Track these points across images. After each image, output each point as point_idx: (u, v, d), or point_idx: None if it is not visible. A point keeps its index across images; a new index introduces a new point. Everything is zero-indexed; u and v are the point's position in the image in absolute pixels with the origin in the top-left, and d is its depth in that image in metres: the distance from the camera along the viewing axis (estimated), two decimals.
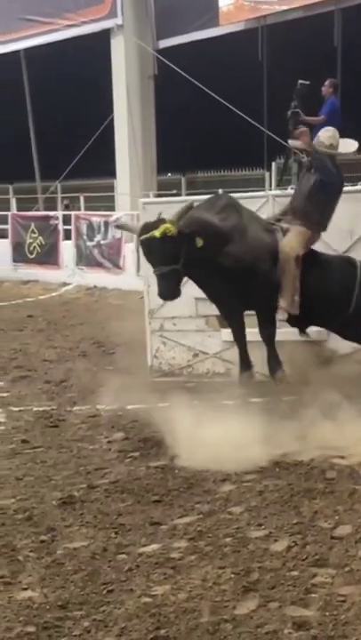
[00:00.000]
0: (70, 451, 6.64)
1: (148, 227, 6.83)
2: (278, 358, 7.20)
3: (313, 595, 4.10)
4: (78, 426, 7.36)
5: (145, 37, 19.64)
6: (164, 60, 18.94)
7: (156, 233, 6.68)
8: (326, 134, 7.25)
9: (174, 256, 6.76)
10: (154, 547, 4.75)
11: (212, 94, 17.65)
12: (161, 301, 7.89)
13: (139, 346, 9.29)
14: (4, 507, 5.47)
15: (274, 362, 7.18)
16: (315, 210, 7.19)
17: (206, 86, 17.80)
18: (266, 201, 8.52)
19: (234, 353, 7.65)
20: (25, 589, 4.26)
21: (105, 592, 4.20)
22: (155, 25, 19.66)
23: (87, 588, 4.25)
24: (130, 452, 6.55)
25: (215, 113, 18.10)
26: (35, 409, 7.88)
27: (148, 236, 6.75)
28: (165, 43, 19.53)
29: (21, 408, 7.97)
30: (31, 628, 3.85)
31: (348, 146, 7.38)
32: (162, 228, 6.69)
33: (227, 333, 8.06)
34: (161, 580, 4.33)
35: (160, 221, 6.81)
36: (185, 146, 20.19)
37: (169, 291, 6.91)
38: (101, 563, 4.55)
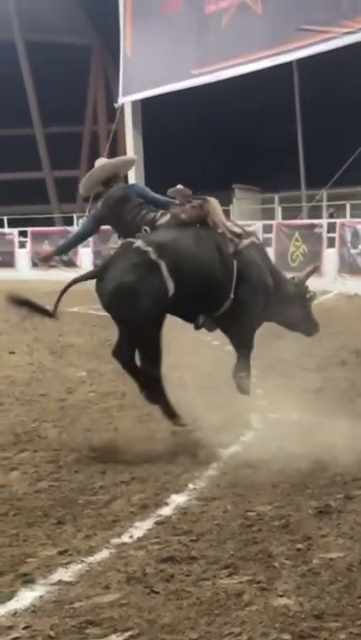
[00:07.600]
0: (326, 460, 6.50)
1: None
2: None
3: None
4: None
5: None
6: None
7: None
8: None
9: None
10: None
11: None
12: None
13: None
14: (261, 513, 5.49)
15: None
16: None
17: None
18: None
19: None
20: (281, 596, 4.23)
21: None
22: None
23: (343, 599, 4.17)
24: None
25: None
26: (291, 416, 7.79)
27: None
28: None
29: (277, 415, 7.94)
30: (286, 636, 3.82)
31: None
32: None
33: None
34: None
35: None
36: None
37: None
38: (358, 575, 4.44)
